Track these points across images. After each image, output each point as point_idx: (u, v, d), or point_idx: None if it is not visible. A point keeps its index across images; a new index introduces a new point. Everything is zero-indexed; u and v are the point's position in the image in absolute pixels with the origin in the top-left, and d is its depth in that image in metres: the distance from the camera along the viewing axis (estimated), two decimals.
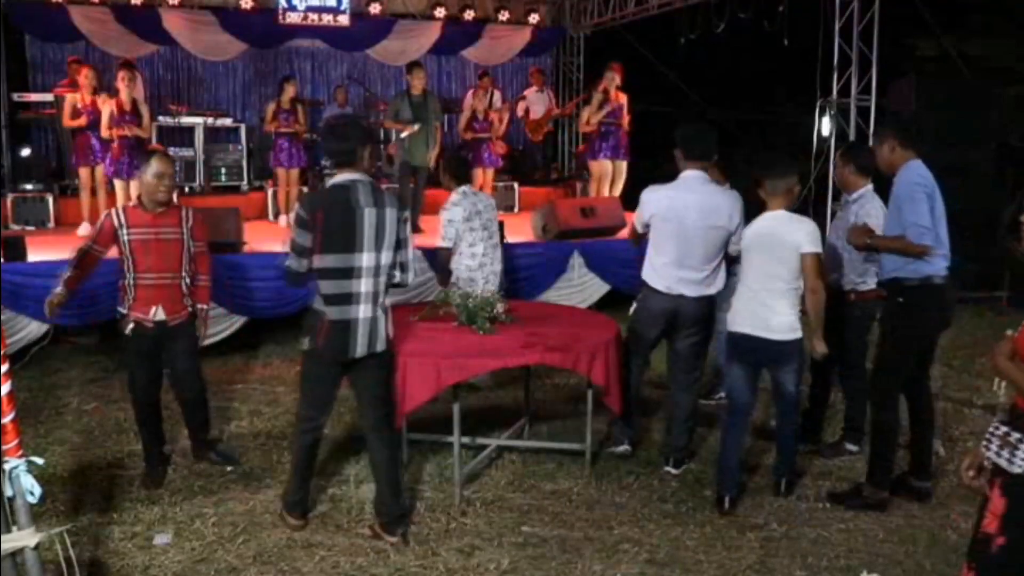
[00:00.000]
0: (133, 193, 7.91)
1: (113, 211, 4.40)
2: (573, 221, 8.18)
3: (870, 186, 4.70)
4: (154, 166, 4.29)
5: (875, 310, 4.66)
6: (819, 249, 4.15)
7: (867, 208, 4.60)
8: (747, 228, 4.30)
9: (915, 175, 4.10)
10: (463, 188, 5.65)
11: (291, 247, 3.67)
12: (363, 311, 3.69)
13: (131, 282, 4.32)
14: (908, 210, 4.04)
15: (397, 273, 3.82)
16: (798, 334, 4.19)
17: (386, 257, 3.72)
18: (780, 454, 4.47)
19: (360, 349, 3.71)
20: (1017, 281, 9.15)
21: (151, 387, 4.49)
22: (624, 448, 4.84)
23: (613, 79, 9.24)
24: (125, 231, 4.29)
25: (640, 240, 4.80)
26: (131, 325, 4.33)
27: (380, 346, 3.77)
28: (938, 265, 4.09)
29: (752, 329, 4.17)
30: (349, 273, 3.65)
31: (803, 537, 3.96)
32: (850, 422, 4.94)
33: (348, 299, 3.67)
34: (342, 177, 3.68)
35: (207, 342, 5.12)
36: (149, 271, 4.31)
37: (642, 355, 4.79)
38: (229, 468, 4.65)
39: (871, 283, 4.66)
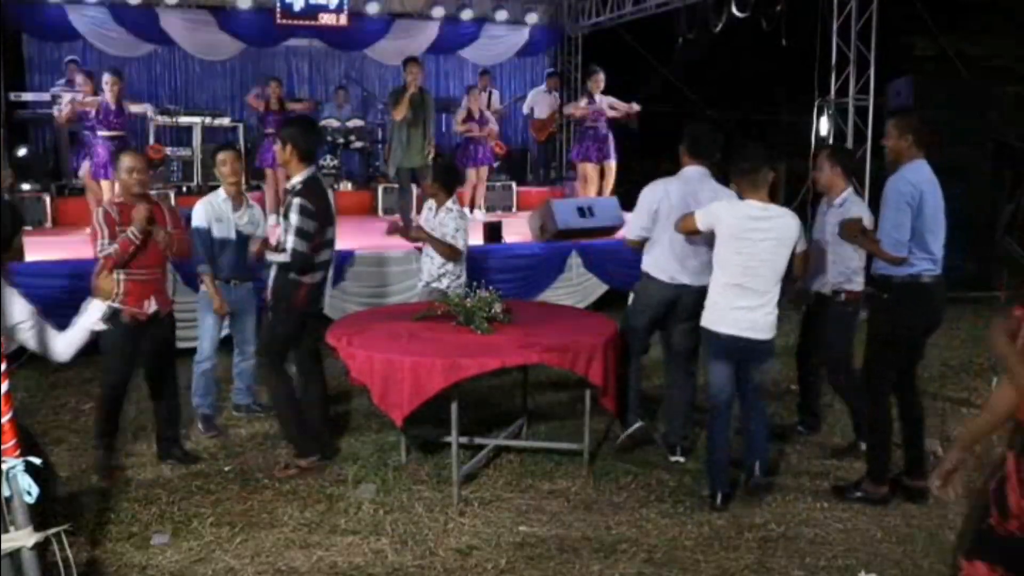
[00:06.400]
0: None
1: (106, 206, 4.50)
2: (571, 221, 8.18)
3: (851, 188, 4.76)
4: (125, 162, 4.48)
5: (860, 309, 4.71)
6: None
7: (854, 211, 4.62)
8: (734, 209, 4.14)
9: (905, 182, 4.12)
10: (455, 205, 5.58)
11: (298, 235, 4.36)
12: (330, 272, 4.77)
13: (121, 277, 4.37)
14: (889, 218, 4.11)
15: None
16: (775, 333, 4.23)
17: (334, 230, 4.66)
18: (755, 455, 4.30)
19: (325, 300, 4.85)
20: (1014, 280, 9.16)
21: (128, 380, 4.62)
22: (638, 425, 4.77)
23: (598, 82, 9.42)
24: (119, 228, 4.37)
25: (641, 246, 4.79)
26: (127, 319, 4.41)
27: None
28: (922, 266, 4.12)
29: (739, 330, 4.11)
30: (331, 244, 4.63)
31: (801, 537, 3.96)
32: (858, 423, 4.93)
33: (325, 265, 4.63)
34: (311, 169, 4.58)
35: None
36: (141, 267, 4.42)
37: (638, 350, 4.81)
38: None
39: (859, 282, 4.73)
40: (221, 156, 5.25)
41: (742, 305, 4.08)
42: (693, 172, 4.66)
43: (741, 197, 4.18)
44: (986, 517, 2.38)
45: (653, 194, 4.66)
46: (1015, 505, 2.28)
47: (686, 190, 4.59)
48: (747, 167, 4.10)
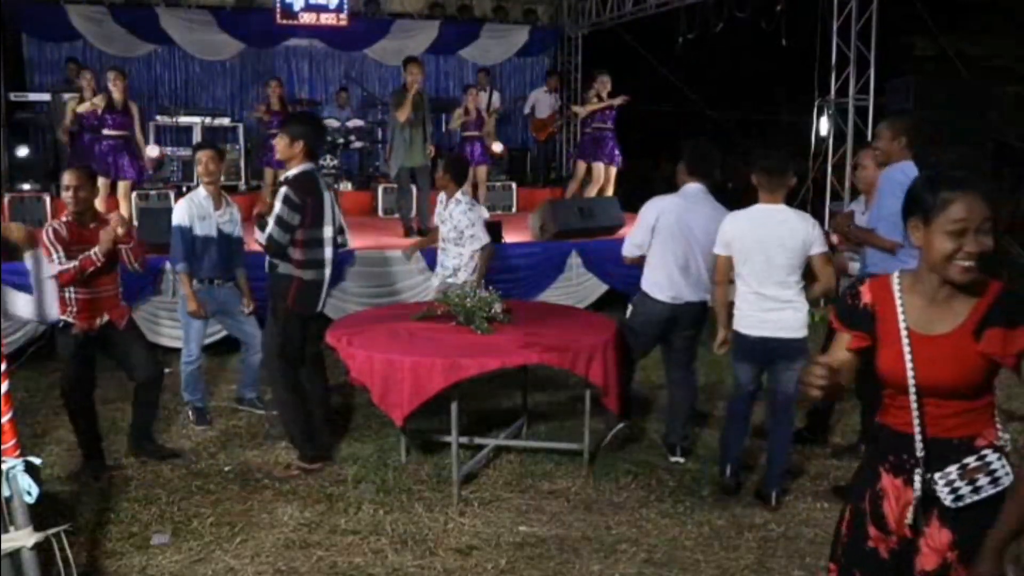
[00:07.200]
0: (120, 192, 8.09)
1: (55, 224, 4.40)
2: (571, 221, 8.18)
3: None
4: (64, 179, 4.42)
5: None
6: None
7: None
8: (736, 221, 4.17)
9: (899, 174, 4.15)
10: (464, 196, 5.58)
11: (278, 223, 4.33)
12: (327, 273, 4.58)
13: (73, 295, 4.38)
14: (885, 205, 4.12)
15: (338, 238, 4.70)
16: (806, 331, 4.14)
17: (333, 230, 4.58)
18: (772, 461, 4.29)
19: (322, 305, 4.67)
20: (1014, 281, 9.17)
21: (88, 386, 4.61)
22: (620, 426, 4.86)
23: (605, 84, 9.39)
24: (71, 246, 4.32)
25: (639, 263, 4.80)
26: (78, 331, 4.40)
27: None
28: (912, 265, 4.11)
29: (769, 332, 4.09)
30: (322, 243, 4.50)
31: (801, 537, 3.96)
32: (867, 424, 4.92)
33: (320, 264, 4.51)
34: (309, 165, 4.53)
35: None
36: (96, 285, 4.40)
37: (638, 355, 4.88)
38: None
39: None
40: (198, 155, 5.27)
41: (768, 307, 4.07)
42: (692, 189, 4.66)
43: (756, 194, 4.18)
44: (865, 536, 2.32)
45: (651, 210, 4.67)
46: (894, 523, 2.24)
47: (684, 207, 4.60)
48: (772, 166, 4.07)
